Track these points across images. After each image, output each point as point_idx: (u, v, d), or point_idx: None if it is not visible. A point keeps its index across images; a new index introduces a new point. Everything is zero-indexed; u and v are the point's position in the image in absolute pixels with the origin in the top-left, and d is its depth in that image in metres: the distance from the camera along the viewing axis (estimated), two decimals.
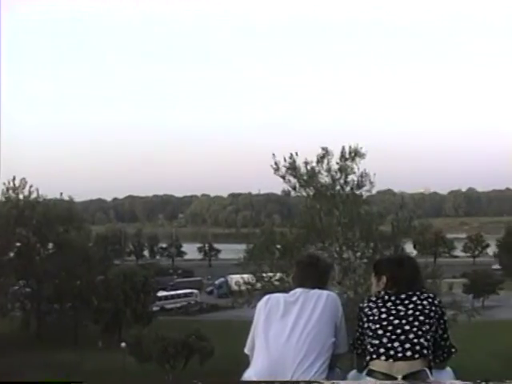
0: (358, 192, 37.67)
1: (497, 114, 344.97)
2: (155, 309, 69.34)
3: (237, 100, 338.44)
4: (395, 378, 3.59)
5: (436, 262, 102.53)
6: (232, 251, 75.22)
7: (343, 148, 37.15)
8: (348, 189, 37.41)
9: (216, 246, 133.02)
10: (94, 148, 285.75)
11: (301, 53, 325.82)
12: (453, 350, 4.06)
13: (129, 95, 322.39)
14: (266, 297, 4.10)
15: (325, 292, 4.06)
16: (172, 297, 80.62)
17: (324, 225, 36.50)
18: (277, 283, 36.04)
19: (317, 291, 4.04)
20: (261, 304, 4.05)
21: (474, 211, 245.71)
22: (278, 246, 38.25)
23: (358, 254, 36.59)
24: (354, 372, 4.00)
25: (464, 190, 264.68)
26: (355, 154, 36.91)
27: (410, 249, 61.35)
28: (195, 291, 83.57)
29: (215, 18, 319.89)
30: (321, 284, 4.18)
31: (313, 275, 4.19)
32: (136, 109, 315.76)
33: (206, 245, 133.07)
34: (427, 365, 3.70)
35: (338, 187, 37.29)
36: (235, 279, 60.75)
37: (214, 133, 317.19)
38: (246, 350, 3.96)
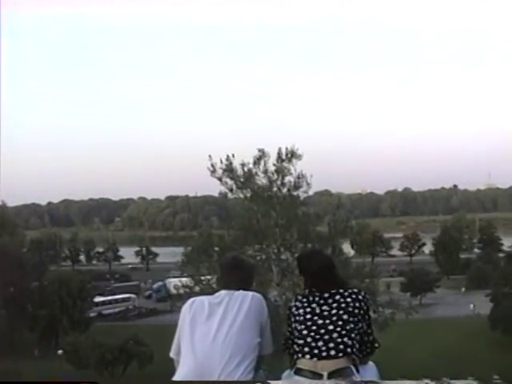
0: (294, 193, 37.89)
1: (431, 115, 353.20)
2: (92, 315, 68.41)
3: (172, 104, 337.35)
4: (321, 375, 3.72)
5: (374, 261, 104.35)
6: (170, 254, 74.79)
7: (280, 149, 37.38)
8: (285, 190, 37.59)
9: (153, 249, 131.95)
10: (26, 151, 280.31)
11: (235, 54, 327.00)
12: (376, 345, 4.16)
13: (59, 99, 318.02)
14: (191, 300, 4.10)
15: (250, 293, 4.05)
16: (109, 302, 79.62)
17: (261, 226, 36.64)
18: (215, 286, 36.07)
19: (241, 292, 4.04)
20: (185, 307, 4.04)
21: (411, 211, 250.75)
22: (216, 249, 38.19)
23: (296, 255, 36.95)
24: (287, 372, 4.07)
25: (400, 189, 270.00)
26: (292, 155, 37.15)
27: (347, 249, 62.15)
28: (133, 296, 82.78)
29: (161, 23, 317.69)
30: (245, 285, 4.17)
31: (237, 277, 4.18)
32: (72, 113, 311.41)
33: (144, 248, 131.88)
34: (352, 362, 3.82)
35: (274, 189, 37.46)
36: (173, 283, 60.46)
37: (151, 136, 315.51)
38: (172, 354, 3.97)
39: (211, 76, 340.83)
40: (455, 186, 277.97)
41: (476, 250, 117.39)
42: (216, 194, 41.02)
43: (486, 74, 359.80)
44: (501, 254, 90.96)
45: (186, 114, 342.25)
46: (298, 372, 3.81)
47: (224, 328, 3.85)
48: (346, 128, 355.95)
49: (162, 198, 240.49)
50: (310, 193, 46.10)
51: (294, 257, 37.05)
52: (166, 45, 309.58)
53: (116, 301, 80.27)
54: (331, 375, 3.72)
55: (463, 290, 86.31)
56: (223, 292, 4.10)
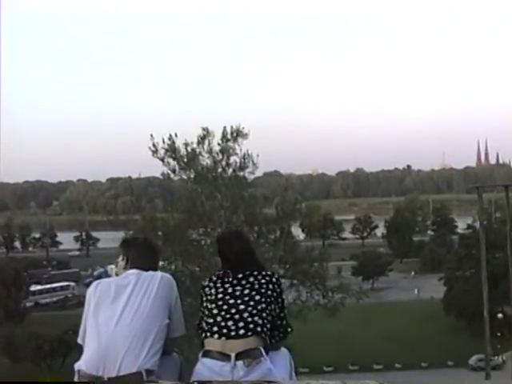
0: (240, 174, 37.89)
1: (384, 95, 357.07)
2: (29, 304, 67.60)
3: (114, 82, 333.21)
4: (229, 356, 3.75)
5: (324, 244, 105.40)
6: (111, 240, 74.15)
7: (224, 128, 37.25)
8: (230, 171, 37.53)
9: (94, 234, 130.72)
10: None
11: (177, 27, 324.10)
12: (289, 330, 4.20)
13: None
14: (96, 282, 4.08)
15: (159, 273, 4.09)
16: (47, 291, 78.72)
17: (206, 209, 36.57)
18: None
19: (150, 273, 4.07)
20: (90, 291, 4.02)
21: (363, 192, 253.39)
22: (160, 233, 37.97)
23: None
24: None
25: (352, 170, 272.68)
26: (237, 134, 37.03)
27: (297, 232, 62.57)
28: (72, 284, 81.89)
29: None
30: (155, 267, 4.25)
31: (147, 257, 4.26)
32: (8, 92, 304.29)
33: (83, 233, 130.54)
34: (262, 343, 3.85)
35: (219, 169, 37.35)
36: (115, 269, 59.96)
37: (90, 114, 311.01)
38: (79, 340, 3.95)
39: (154, 53, 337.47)
40: (409, 167, 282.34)
41: (430, 233, 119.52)
42: (160, 176, 40.49)
43: (436, 55, 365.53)
44: (455, 237, 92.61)
45: (126, 91, 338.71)
46: (206, 354, 3.84)
47: (130, 310, 3.86)
48: (296, 106, 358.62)
49: (103, 180, 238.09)
50: (258, 174, 46.29)
51: None
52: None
53: (54, 289, 79.38)
54: (239, 356, 3.75)
55: (412, 273, 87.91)
56: (131, 273, 4.11)
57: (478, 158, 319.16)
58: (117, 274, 4.34)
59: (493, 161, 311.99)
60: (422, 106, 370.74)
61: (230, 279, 4.08)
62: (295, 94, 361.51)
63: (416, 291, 73.77)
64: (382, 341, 55.70)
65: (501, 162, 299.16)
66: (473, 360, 51.21)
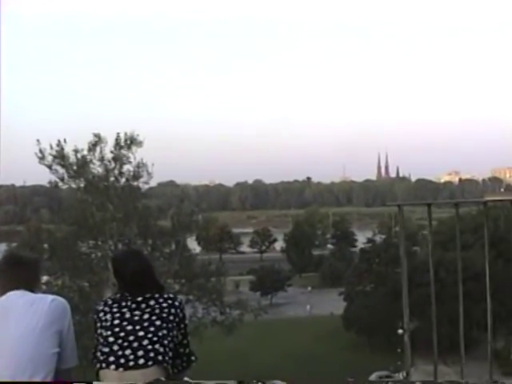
0: (134, 184, 37.49)
1: (284, 105, 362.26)
2: None
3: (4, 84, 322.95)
4: None
5: (221, 258, 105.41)
6: None
7: (118, 135, 36.76)
8: (123, 180, 37.10)
9: None
10: None
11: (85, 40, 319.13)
12: (193, 359, 4.07)
13: None
14: None
15: (49, 297, 3.85)
16: None
17: (96, 220, 35.88)
18: (44, 287, 34.94)
19: (38, 296, 3.85)
20: None
21: (262, 204, 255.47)
22: (46, 245, 37.06)
23: None
24: None
25: (251, 181, 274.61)
26: (131, 141, 36.65)
27: (193, 245, 62.33)
28: None
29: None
30: (33, 286, 3.95)
31: (21, 276, 3.92)
32: None
33: None
34: (164, 374, 3.69)
35: (112, 178, 36.84)
36: None
37: None
38: None
39: (40, 55, 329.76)
40: (308, 179, 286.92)
41: (329, 246, 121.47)
42: (47, 184, 39.47)
43: (344, 66, 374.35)
44: (355, 250, 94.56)
45: (12, 93, 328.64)
46: None
47: (12, 336, 3.60)
48: (193, 115, 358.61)
49: None
50: (153, 183, 45.89)
51: None
52: None
53: None
54: None
55: (309, 288, 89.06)
56: (13, 294, 3.82)
57: (379, 171, 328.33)
58: None
59: (393, 174, 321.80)
60: (323, 116, 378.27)
61: (128, 303, 3.91)
62: (192, 102, 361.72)
63: (308, 307, 74.64)
64: (282, 358, 56.02)
65: (401, 175, 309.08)
66: (373, 377, 52.22)
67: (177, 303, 3.98)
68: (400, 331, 55.68)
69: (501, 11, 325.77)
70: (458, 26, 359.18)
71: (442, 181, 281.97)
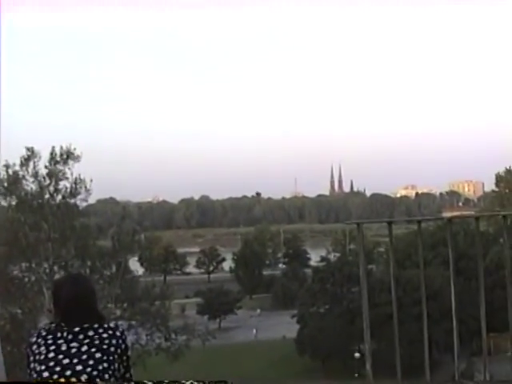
0: (71, 201, 37.11)
1: (231, 117, 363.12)
2: None
3: None
4: None
5: (166, 280, 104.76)
6: None
7: (53, 149, 36.37)
8: (59, 197, 36.69)
9: None
10: None
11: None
12: None
13: None
14: None
15: None
16: None
17: (30, 241, 35.35)
18: None
19: None
20: None
21: (208, 222, 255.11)
22: None
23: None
24: None
25: (196, 198, 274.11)
26: (68, 156, 36.29)
27: (135, 266, 61.88)
28: None
29: None
30: None
31: None
32: None
33: None
34: None
35: (47, 195, 36.40)
36: None
37: None
38: None
39: None
40: (258, 194, 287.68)
41: (281, 266, 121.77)
42: None
43: (291, 79, 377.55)
44: (308, 270, 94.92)
45: None
46: None
47: None
48: (134, 127, 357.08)
49: None
50: (91, 201, 45.46)
51: None
52: None
53: None
54: None
55: (258, 311, 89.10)
56: None
57: (332, 186, 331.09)
58: None
59: (347, 189, 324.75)
60: (272, 129, 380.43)
61: (64, 334, 3.80)
62: (134, 114, 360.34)
63: (254, 331, 74.61)
64: None
65: (355, 189, 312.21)
66: None
67: (118, 333, 3.88)
68: (357, 355, 56.23)
69: (487, 24, 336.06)
70: (421, 37, 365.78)
71: (398, 195, 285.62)
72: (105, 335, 3.81)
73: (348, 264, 64.91)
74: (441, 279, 48.32)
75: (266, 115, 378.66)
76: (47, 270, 35.32)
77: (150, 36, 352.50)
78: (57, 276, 34.96)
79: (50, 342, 3.76)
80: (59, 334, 3.79)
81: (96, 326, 3.85)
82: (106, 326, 3.87)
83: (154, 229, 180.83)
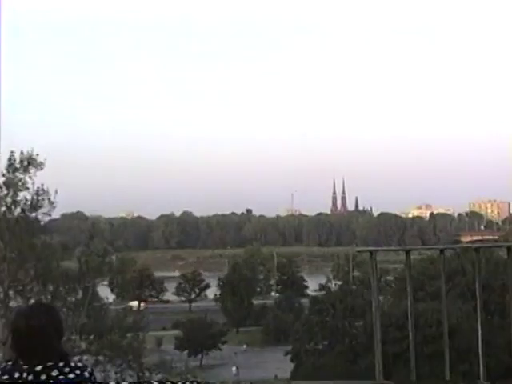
0: (32, 215, 36.94)
1: (218, 126, 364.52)
2: None
3: None
4: None
5: (140, 309, 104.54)
6: None
7: (12, 154, 36.23)
8: (18, 211, 36.54)
9: None
10: None
11: None
12: None
13: None
14: None
15: None
16: None
17: None
18: None
19: None
20: None
21: (191, 242, 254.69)
22: None
23: (32, 300, 35.95)
24: None
25: (178, 214, 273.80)
26: (29, 163, 36.15)
27: (104, 292, 61.59)
28: None
29: None
30: None
31: None
32: None
33: None
34: None
35: (3, 208, 36.27)
36: None
37: None
38: None
39: None
40: (248, 212, 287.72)
41: (274, 294, 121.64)
42: None
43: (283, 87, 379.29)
44: (305, 300, 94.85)
45: None
46: None
47: None
48: (107, 132, 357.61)
49: None
50: (55, 215, 45.27)
51: (28, 303, 35.95)
52: None
53: None
54: None
55: (244, 346, 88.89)
56: None
57: (334, 204, 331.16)
58: None
59: (351, 207, 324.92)
60: (267, 137, 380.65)
61: (24, 374, 3.72)
62: (106, 119, 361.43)
63: (234, 369, 74.29)
64: None
65: (360, 208, 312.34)
66: None
67: (87, 374, 3.84)
68: None
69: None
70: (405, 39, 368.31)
71: (410, 215, 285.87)
72: (71, 376, 3.77)
73: (351, 294, 64.85)
74: (458, 314, 48.25)
75: (260, 121, 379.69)
76: (1, 295, 35.11)
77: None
78: (13, 302, 34.84)
79: (5, 382, 3.71)
80: (17, 374, 3.74)
81: (61, 364, 3.79)
82: (72, 364, 3.83)
83: (127, 249, 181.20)
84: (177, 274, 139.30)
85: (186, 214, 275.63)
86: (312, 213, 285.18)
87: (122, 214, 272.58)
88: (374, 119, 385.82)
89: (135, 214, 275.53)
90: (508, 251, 6.00)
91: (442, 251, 6.52)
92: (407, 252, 5.66)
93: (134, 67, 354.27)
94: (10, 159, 36.20)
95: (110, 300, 78.44)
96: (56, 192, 37.21)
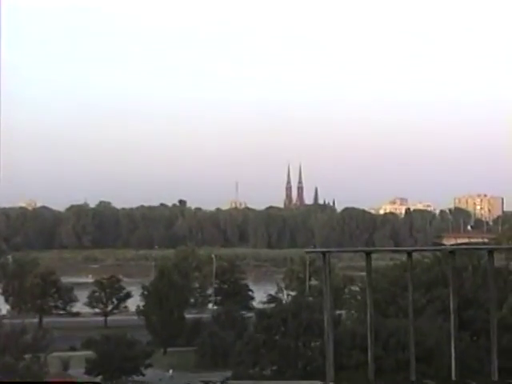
0: None
1: (156, 112, 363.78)
2: None
3: None
4: None
5: (42, 323, 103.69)
6: None
7: None
8: None
9: None
10: None
11: None
12: None
13: None
14: None
15: None
16: None
17: None
18: None
19: None
20: None
21: (108, 240, 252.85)
22: None
23: None
24: None
25: (93, 205, 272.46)
26: None
27: None
28: None
29: None
30: None
31: None
32: None
33: None
34: None
35: None
36: None
37: None
38: None
39: None
40: (182, 203, 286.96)
41: (211, 307, 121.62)
42: None
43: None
44: (250, 314, 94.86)
45: None
46: None
47: None
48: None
49: None
50: None
51: None
52: None
53: None
54: None
55: (170, 372, 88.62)
56: None
57: (288, 196, 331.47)
58: None
59: (309, 200, 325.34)
60: (206, 115, 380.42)
61: None
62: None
63: None
64: None
65: (321, 201, 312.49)
66: None
67: None
68: None
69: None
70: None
71: (382, 211, 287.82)
72: None
73: (307, 307, 64.99)
74: (437, 334, 48.64)
75: (199, 98, 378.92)
76: None
77: None
78: None
79: None
80: None
81: None
82: None
83: (27, 247, 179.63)
84: (90, 279, 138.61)
85: (103, 205, 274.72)
86: (261, 206, 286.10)
87: (22, 204, 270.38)
88: (338, 94, 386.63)
89: (38, 204, 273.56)
90: (489, 255, 5.92)
91: (409, 254, 6.36)
92: (367, 254, 5.55)
93: None
94: None
95: (4, 312, 77.90)
96: None
